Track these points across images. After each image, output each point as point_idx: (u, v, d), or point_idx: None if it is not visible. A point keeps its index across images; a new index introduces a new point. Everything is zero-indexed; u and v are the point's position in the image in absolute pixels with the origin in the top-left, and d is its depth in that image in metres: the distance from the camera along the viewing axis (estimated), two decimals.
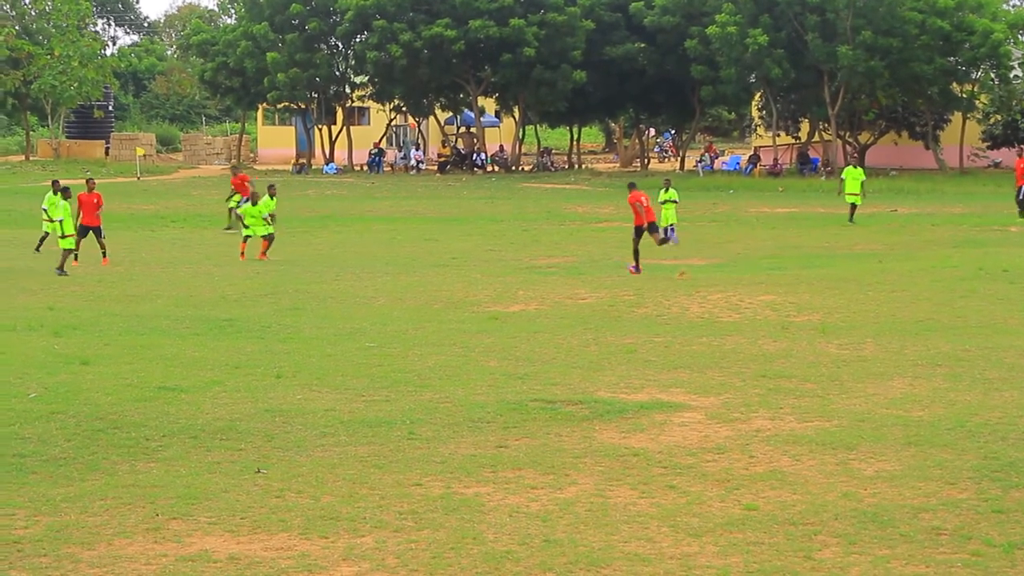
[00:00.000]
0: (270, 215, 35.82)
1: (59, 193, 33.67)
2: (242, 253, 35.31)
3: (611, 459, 13.48)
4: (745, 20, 71.44)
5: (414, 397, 16.55)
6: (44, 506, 11.66)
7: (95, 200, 33.82)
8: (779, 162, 75.79)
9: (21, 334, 21.73)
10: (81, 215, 33.46)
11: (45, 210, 34.86)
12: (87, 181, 35.31)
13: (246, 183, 42.84)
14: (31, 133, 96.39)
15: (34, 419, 15.06)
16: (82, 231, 33.31)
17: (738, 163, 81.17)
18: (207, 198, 47.61)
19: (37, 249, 36.05)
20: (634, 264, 31.35)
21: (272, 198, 36.41)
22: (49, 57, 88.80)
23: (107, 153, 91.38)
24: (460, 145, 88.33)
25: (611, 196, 57.09)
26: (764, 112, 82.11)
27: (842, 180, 48.03)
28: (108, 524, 11.17)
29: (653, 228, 31.86)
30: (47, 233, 35.65)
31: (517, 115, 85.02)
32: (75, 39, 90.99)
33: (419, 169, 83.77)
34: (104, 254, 33.78)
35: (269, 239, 35.65)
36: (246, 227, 36.11)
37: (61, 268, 31.47)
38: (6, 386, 17.01)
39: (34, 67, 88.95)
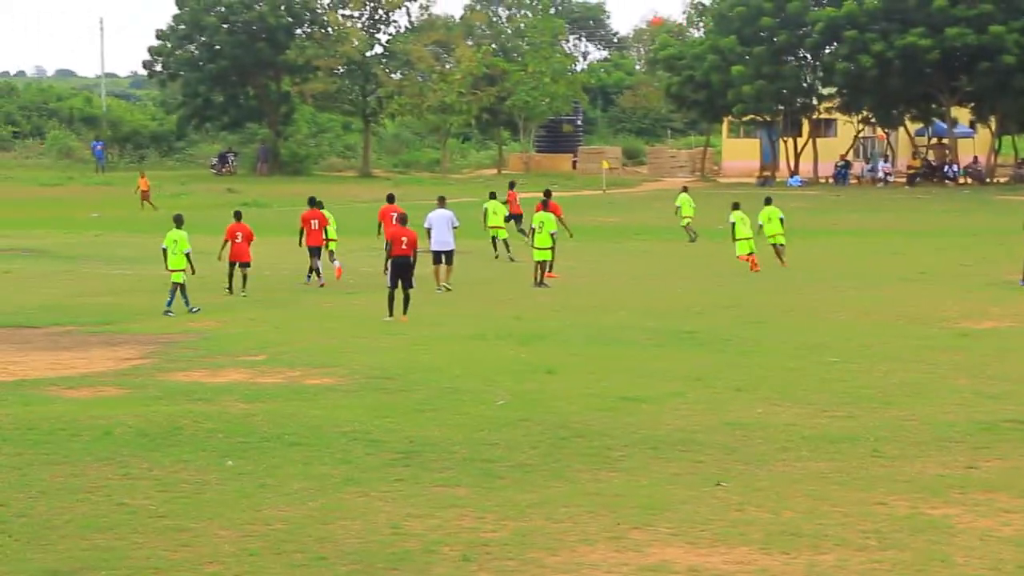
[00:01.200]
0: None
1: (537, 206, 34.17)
2: (753, 264, 35.45)
3: None
4: None
5: (878, 414, 16.16)
6: (511, 511, 11.96)
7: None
8: None
9: (491, 342, 22.44)
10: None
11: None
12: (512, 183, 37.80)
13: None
14: (503, 147, 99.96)
15: (502, 425, 15.51)
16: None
17: None
18: (670, 211, 48.02)
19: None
20: None
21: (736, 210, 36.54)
22: (522, 73, 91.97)
23: (575, 166, 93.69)
24: (931, 157, 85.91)
25: None
26: None
27: None
28: (571, 531, 11.36)
29: None
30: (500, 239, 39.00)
31: (993, 125, 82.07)
32: (548, 56, 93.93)
33: (887, 181, 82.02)
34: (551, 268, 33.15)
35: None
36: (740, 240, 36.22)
37: (539, 281, 31.88)
38: (477, 393, 17.59)
39: (508, 83, 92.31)
